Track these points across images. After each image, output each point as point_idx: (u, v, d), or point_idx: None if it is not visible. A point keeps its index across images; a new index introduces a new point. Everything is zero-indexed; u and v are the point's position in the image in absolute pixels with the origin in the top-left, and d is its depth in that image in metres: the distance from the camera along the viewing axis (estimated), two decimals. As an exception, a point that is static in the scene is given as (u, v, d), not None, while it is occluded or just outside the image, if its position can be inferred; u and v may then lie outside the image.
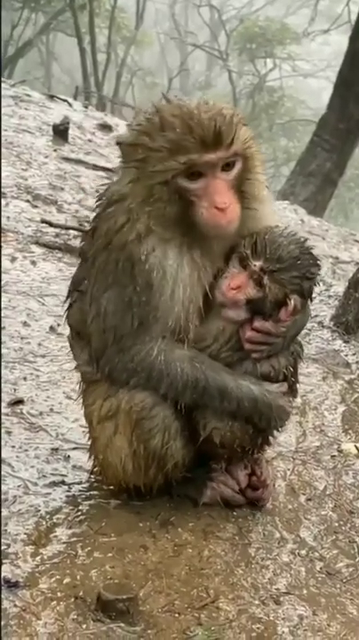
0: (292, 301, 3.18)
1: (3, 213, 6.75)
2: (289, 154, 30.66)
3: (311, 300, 3.35)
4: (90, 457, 3.46)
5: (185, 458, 3.30)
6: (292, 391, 3.39)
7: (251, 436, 3.30)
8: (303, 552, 3.29)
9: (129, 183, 3.09)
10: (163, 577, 2.99)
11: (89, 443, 3.45)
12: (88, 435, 3.43)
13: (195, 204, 3.03)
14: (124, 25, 30.65)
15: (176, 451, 3.26)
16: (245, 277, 3.17)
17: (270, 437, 3.41)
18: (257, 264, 3.15)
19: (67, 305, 3.41)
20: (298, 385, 3.48)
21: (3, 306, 5.02)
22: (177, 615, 2.84)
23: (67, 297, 3.41)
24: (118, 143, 3.23)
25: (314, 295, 3.34)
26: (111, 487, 3.44)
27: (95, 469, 3.49)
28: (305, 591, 3.07)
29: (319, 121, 17.31)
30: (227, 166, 3.03)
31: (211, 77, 38.45)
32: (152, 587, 2.93)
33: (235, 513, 3.42)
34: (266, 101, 31.44)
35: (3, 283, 5.37)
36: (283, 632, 2.83)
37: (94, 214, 3.29)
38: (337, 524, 3.51)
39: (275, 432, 3.40)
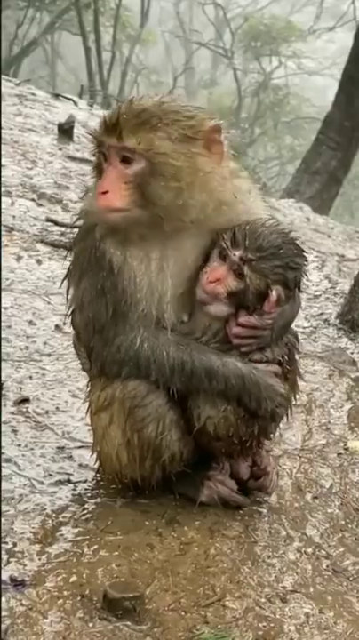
0: (275, 292, 3.15)
1: (9, 212, 6.75)
2: (294, 152, 30.62)
3: (299, 291, 3.32)
4: (92, 452, 3.47)
5: (182, 451, 3.29)
6: (287, 379, 3.36)
7: (246, 424, 3.26)
8: (309, 550, 3.29)
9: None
10: (170, 575, 2.99)
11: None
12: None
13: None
14: (129, 23, 30.62)
15: (171, 442, 3.26)
16: (225, 269, 3.16)
17: (269, 430, 3.39)
18: (236, 254, 3.14)
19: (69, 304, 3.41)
20: (297, 378, 3.47)
21: (9, 305, 5.03)
22: (183, 613, 2.83)
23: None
24: None
25: (310, 289, 3.33)
26: (112, 486, 3.45)
27: (95, 463, 3.50)
28: (311, 589, 3.07)
29: (324, 119, 17.27)
30: (126, 160, 3.04)
31: (217, 75, 38.41)
32: (158, 585, 2.93)
33: (241, 511, 3.42)
34: (271, 99, 31.40)
35: (8, 282, 5.37)
36: (290, 630, 2.83)
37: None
38: (343, 522, 3.50)
39: (273, 423, 3.38)
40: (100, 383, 3.29)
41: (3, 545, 3.00)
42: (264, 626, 2.83)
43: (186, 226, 3.14)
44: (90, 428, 3.44)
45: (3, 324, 4.70)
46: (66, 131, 9.82)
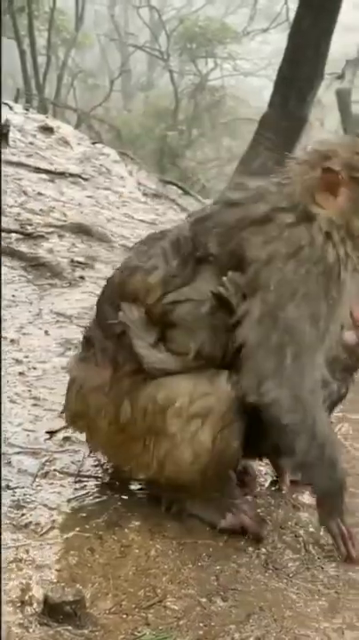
0: None
1: None
2: (232, 153, 30.68)
3: None
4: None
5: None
6: None
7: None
8: (250, 549, 3.30)
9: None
10: (110, 578, 2.98)
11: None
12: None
13: None
14: (64, 27, 30.48)
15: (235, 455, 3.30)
16: None
17: None
18: None
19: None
20: None
21: None
22: (124, 616, 2.82)
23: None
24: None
25: None
26: (52, 490, 3.44)
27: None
28: (252, 587, 3.08)
29: (260, 119, 17.38)
30: None
31: (153, 78, 38.42)
32: (99, 588, 2.92)
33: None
34: (208, 101, 31.44)
35: None
36: (231, 629, 2.83)
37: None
38: (282, 520, 3.52)
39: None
40: (195, 389, 3.19)
41: None
42: (205, 625, 2.83)
43: None
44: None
45: None
46: (2, 135, 9.77)
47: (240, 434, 3.22)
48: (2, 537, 3.12)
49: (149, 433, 3.25)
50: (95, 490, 3.54)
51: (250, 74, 35.20)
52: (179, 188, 12.44)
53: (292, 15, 18.09)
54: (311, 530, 3.47)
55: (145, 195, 10.40)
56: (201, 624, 2.84)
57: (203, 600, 2.96)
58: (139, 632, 2.76)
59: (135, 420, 3.26)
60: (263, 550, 3.30)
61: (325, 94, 26.59)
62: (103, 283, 6.11)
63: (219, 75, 33.62)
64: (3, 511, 3.29)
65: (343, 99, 24.56)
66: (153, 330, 3.25)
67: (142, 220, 8.89)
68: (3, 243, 6.55)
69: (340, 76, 25.58)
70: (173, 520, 3.36)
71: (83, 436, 3.60)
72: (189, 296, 3.22)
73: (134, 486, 3.59)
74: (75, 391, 3.42)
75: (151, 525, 3.31)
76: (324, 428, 3.20)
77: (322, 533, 3.42)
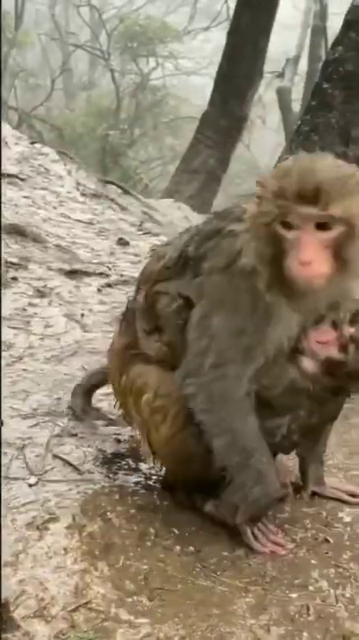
0: None
1: None
2: (175, 152, 30.68)
3: None
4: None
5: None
6: None
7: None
8: (177, 547, 3.29)
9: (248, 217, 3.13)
10: (34, 580, 2.95)
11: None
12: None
13: (287, 252, 2.98)
14: (5, 26, 30.23)
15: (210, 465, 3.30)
16: (333, 337, 3.17)
17: None
18: (350, 330, 3.15)
19: None
20: None
21: None
22: (49, 619, 2.80)
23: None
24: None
25: None
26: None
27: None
28: (179, 586, 3.07)
29: (201, 118, 17.44)
30: (324, 226, 2.95)
31: (95, 77, 38.25)
32: (22, 591, 2.89)
33: (108, 512, 3.41)
34: (149, 100, 31.41)
35: None
36: (156, 628, 2.82)
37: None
38: (208, 518, 3.49)
39: None
40: (159, 387, 3.39)
41: None
42: (131, 626, 2.82)
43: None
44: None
45: None
46: None
47: (199, 440, 3.28)
48: None
49: (135, 406, 3.51)
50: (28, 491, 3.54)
51: (191, 72, 35.24)
52: (119, 187, 12.36)
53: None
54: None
55: (83, 194, 10.33)
56: (126, 625, 2.82)
57: (130, 600, 2.95)
58: (63, 635, 2.74)
59: (125, 391, 3.56)
60: (190, 549, 3.29)
61: (266, 92, 26.76)
62: (36, 283, 6.12)
63: (161, 74, 33.60)
64: None
65: (283, 97, 24.75)
66: (150, 318, 3.47)
67: (79, 220, 8.84)
68: None
69: (280, 75, 25.78)
70: (100, 520, 3.35)
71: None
72: (168, 290, 3.38)
73: (65, 487, 3.57)
74: (109, 349, 3.75)
75: (77, 526, 3.29)
76: (249, 438, 3.23)
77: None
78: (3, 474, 3.60)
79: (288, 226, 2.96)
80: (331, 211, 2.90)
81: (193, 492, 3.53)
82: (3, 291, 5.98)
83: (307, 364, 3.21)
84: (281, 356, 3.20)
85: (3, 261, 6.47)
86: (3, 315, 5.47)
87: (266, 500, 3.31)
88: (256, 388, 3.22)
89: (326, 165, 3.01)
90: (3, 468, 3.64)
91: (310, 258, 2.92)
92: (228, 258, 3.17)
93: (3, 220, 7.52)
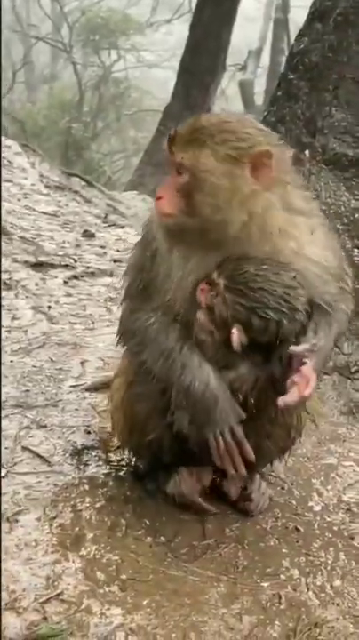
0: (235, 329, 3.13)
1: None
2: (138, 144, 30.62)
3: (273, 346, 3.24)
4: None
5: (171, 440, 3.38)
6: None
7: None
8: (149, 538, 3.29)
9: None
10: (5, 572, 2.93)
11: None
12: None
13: None
14: (-36, 18, 29.98)
15: (159, 426, 3.38)
16: (205, 285, 3.20)
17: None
18: (215, 275, 3.17)
19: None
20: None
21: None
22: (21, 611, 2.79)
23: None
24: None
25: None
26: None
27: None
28: (151, 576, 3.07)
29: (164, 110, 17.42)
30: (179, 171, 3.14)
31: (57, 70, 38.07)
32: (-6, 584, 2.88)
33: (78, 504, 3.40)
34: (112, 93, 31.27)
35: None
36: (133, 619, 2.82)
37: None
38: (179, 509, 3.49)
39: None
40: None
41: None
42: (102, 616, 2.82)
43: (229, 241, 3.15)
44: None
45: None
46: None
47: (147, 399, 3.39)
48: None
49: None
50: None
51: (154, 65, 35.20)
52: (83, 179, 12.34)
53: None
54: (208, 517, 3.48)
55: (47, 187, 10.29)
56: (99, 615, 2.82)
57: (101, 591, 2.94)
58: (35, 626, 2.73)
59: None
60: (162, 539, 3.29)
61: (229, 85, 26.80)
62: (2, 276, 6.06)
63: (123, 66, 33.51)
64: None
65: (246, 89, 24.81)
66: None
67: (43, 212, 8.79)
68: None
69: (243, 67, 25.82)
70: (71, 512, 3.34)
71: None
72: None
73: (34, 479, 3.56)
74: None
75: (47, 518, 3.28)
76: (167, 350, 3.26)
77: (219, 516, 3.43)
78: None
79: None
80: (176, 157, 3.12)
81: (158, 474, 3.56)
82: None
83: (199, 314, 3.23)
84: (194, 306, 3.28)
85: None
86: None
87: (204, 400, 3.24)
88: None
89: (207, 118, 3.18)
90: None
91: (161, 194, 3.16)
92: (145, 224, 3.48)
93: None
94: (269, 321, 3.11)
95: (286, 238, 3.20)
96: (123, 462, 3.75)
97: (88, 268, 6.80)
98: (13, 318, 5.44)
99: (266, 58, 27.29)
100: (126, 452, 3.72)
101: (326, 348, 3.24)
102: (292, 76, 5.37)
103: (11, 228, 7.62)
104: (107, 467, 3.72)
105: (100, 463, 3.74)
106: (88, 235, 8.09)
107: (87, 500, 3.43)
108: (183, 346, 3.24)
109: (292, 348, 3.09)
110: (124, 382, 3.52)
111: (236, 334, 3.13)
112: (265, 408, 3.27)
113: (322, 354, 3.20)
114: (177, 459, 3.45)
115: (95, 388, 4.45)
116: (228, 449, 3.21)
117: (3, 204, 8.26)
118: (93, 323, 5.53)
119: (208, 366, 3.22)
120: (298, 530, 3.48)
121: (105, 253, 7.44)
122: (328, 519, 3.60)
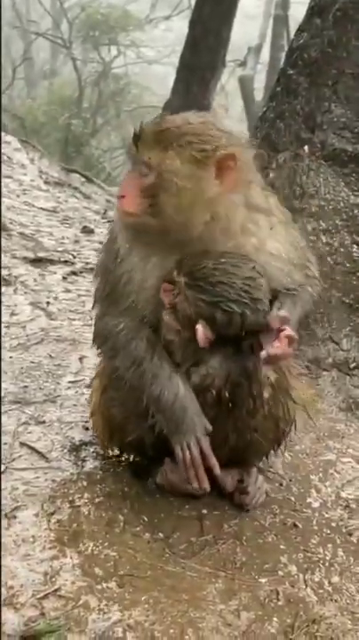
0: (199, 326, 3.14)
1: None
2: (138, 141, 30.54)
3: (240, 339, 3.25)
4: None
5: (151, 438, 3.39)
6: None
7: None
8: (147, 534, 3.29)
9: None
10: (2, 569, 2.93)
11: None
12: None
13: None
14: (-36, 14, 29.94)
15: (138, 427, 3.39)
16: (167, 284, 3.21)
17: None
18: (175, 273, 3.18)
19: None
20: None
21: None
22: (18, 607, 2.79)
23: None
24: None
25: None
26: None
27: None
28: (149, 572, 3.07)
29: (163, 106, 17.34)
30: (144, 170, 3.15)
31: (57, 66, 38.01)
32: (-9, 580, 2.88)
33: (76, 500, 3.39)
34: (112, 89, 31.22)
35: None
36: (131, 615, 2.82)
37: None
38: (177, 505, 3.50)
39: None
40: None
41: None
42: (100, 611, 2.81)
43: (192, 241, 3.18)
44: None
45: None
46: None
47: (121, 404, 3.42)
48: None
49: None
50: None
51: (153, 61, 35.15)
52: (82, 175, 12.33)
53: (194, 2, 18.12)
54: (205, 512, 3.47)
55: (47, 183, 10.29)
56: (96, 611, 2.81)
57: (99, 587, 2.94)
58: (33, 622, 2.72)
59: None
60: (160, 535, 3.29)
61: (229, 81, 26.77)
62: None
63: (123, 62, 33.45)
64: None
65: (246, 85, 24.75)
66: None
67: (43, 208, 8.79)
68: None
69: (242, 64, 25.77)
70: (69, 508, 3.33)
71: None
72: None
73: (33, 475, 3.55)
74: None
75: (45, 514, 3.27)
76: (138, 359, 3.27)
77: (217, 513, 3.42)
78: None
79: None
80: (143, 156, 3.14)
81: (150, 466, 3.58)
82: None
83: (164, 314, 3.23)
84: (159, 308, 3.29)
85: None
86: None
87: (173, 408, 3.25)
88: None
89: (173, 119, 3.20)
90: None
91: (124, 192, 3.17)
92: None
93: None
94: (232, 314, 3.13)
95: (248, 235, 3.24)
96: (122, 459, 3.74)
97: (87, 264, 6.78)
98: (12, 314, 5.43)
99: (265, 54, 27.25)
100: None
101: (292, 323, 3.21)
102: (291, 72, 5.35)
103: (11, 223, 7.61)
104: (105, 463, 3.71)
105: (98, 459, 3.73)
106: (87, 231, 8.09)
107: (85, 495, 3.43)
108: (153, 355, 3.26)
109: (271, 313, 3.15)
110: (101, 385, 3.56)
111: (201, 330, 3.15)
112: (241, 401, 3.29)
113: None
114: (161, 453, 3.44)
115: None
116: (193, 460, 3.24)
117: (2, 199, 8.24)
118: (92, 319, 5.51)
119: (177, 377, 3.24)
120: (296, 526, 3.47)
121: (104, 249, 7.42)
122: (326, 515, 3.60)
